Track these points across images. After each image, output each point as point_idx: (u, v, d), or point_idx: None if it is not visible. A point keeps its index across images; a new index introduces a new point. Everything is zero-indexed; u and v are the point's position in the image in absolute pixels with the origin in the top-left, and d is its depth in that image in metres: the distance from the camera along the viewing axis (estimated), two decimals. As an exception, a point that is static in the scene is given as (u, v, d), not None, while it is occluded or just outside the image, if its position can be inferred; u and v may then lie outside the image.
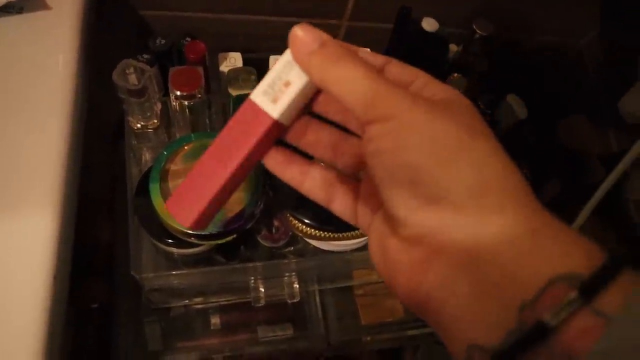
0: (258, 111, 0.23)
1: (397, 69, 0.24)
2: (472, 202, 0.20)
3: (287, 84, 0.23)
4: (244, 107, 0.24)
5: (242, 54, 0.53)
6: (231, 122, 0.24)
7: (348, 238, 0.49)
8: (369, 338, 0.63)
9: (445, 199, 0.20)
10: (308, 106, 0.25)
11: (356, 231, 0.48)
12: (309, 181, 0.27)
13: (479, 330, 0.19)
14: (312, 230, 0.47)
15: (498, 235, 0.20)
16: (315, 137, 0.26)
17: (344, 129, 0.26)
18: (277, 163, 0.26)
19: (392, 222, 0.23)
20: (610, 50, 0.70)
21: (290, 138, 0.26)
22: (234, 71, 0.47)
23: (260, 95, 0.23)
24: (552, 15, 0.69)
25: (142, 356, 0.58)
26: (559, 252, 0.19)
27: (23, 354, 0.36)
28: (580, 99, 0.73)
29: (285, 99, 0.23)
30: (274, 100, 0.23)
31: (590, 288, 0.17)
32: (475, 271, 0.20)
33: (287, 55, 0.23)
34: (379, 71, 0.24)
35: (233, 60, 0.52)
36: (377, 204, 0.25)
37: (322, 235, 0.48)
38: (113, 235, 0.61)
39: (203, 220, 0.26)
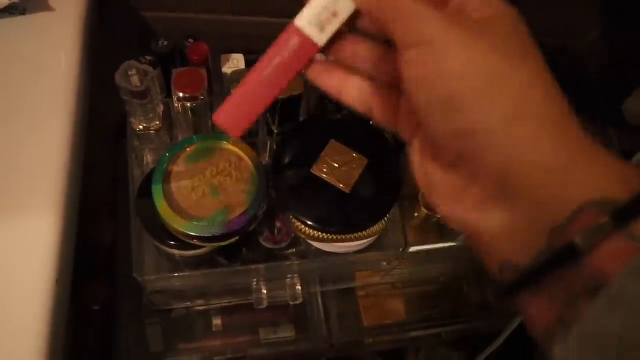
0: (304, 39, 0.25)
1: None
2: (507, 132, 0.20)
3: (335, 14, 0.24)
4: (288, 33, 0.25)
5: (245, 55, 0.53)
6: (275, 46, 0.25)
7: (351, 240, 0.49)
8: (371, 340, 0.63)
9: (481, 128, 0.20)
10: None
11: (359, 233, 0.48)
12: (349, 90, 0.27)
13: (512, 250, 0.20)
14: (315, 232, 0.47)
15: (533, 163, 0.20)
16: (353, 51, 0.26)
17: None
18: (318, 74, 0.27)
19: (430, 146, 0.24)
20: (612, 52, 0.70)
21: (329, 52, 0.27)
22: (237, 73, 0.47)
23: (306, 25, 0.25)
24: (552, 17, 0.68)
25: (143, 358, 0.58)
26: (594, 177, 0.19)
27: (25, 355, 0.36)
28: (582, 101, 0.73)
29: (332, 28, 0.25)
30: (321, 30, 0.24)
31: (623, 214, 0.18)
32: (509, 196, 0.20)
33: None
34: None
35: (236, 62, 0.52)
36: (417, 121, 0.25)
37: (325, 237, 0.47)
38: (115, 236, 0.61)
39: (245, 130, 0.27)
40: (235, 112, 0.27)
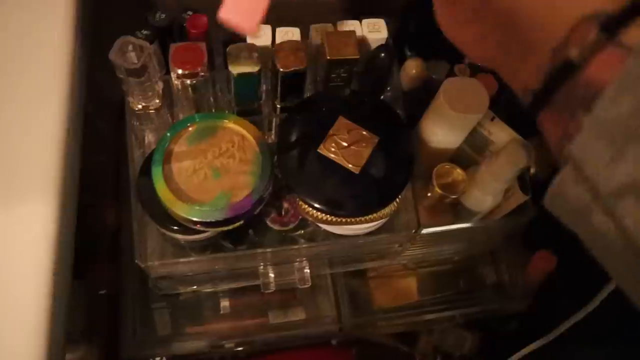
0: None
1: None
2: None
3: None
4: None
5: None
6: None
7: (361, 222, 0.46)
8: (383, 322, 0.62)
9: None
10: None
11: (369, 216, 0.45)
12: None
13: (528, 77, 0.22)
14: (323, 215, 0.45)
15: None
16: None
17: None
18: None
19: None
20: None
21: None
22: (236, 48, 0.44)
23: None
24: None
25: (151, 341, 0.57)
26: None
27: (24, 341, 0.35)
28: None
29: None
30: None
31: (611, 25, 0.19)
32: (511, 27, 0.22)
33: None
34: None
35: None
36: None
37: (334, 219, 0.45)
38: (120, 219, 0.60)
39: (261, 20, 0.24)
40: (244, 4, 0.23)
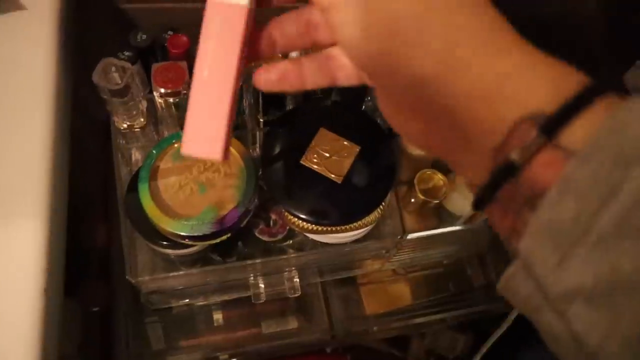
0: (228, 8, 0.22)
1: None
2: (444, 70, 0.21)
3: None
4: (210, 13, 0.22)
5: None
6: (205, 34, 0.23)
7: (346, 230, 0.47)
8: (375, 328, 0.62)
9: (419, 79, 0.21)
10: None
11: (354, 223, 0.46)
12: (307, 77, 0.26)
13: (472, 174, 0.22)
14: (309, 224, 0.46)
15: (469, 83, 0.20)
16: (280, 32, 0.26)
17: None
18: (275, 82, 0.26)
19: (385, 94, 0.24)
20: (613, 21, 0.68)
21: (264, 52, 0.26)
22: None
23: None
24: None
25: (145, 356, 0.57)
26: (527, 92, 0.20)
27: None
28: (584, 71, 0.71)
29: None
30: None
31: (550, 126, 0.18)
32: (458, 132, 0.21)
33: None
34: None
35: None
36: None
37: (319, 229, 0.46)
38: (109, 235, 0.60)
39: (228, 147, 0.24)
40: (201, 134, 0.23)
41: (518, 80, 0.20)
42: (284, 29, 0.26)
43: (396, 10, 0.21)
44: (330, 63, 0.26)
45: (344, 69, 0.26)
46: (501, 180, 0.20)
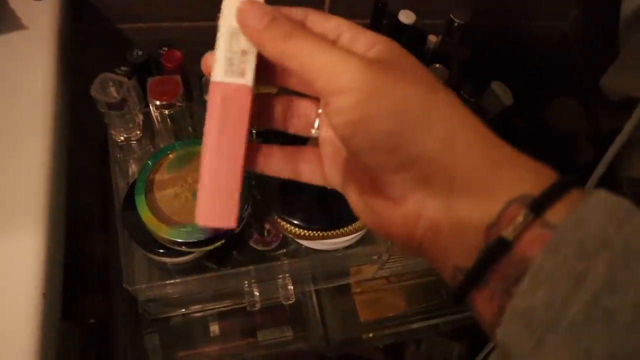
0: (233, 89, 0.23)
1: (320, 22, 0.24)
2: (446, 152, 0.22)
3: (245, 53, 0.23)
4: (215, 93, 0.24)
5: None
6: (211, 113, 0.24)
7: (338, 236, 0.48)
8: (370, 335, 0.63)
9: (421, 159, 0.22)
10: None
11: (345, 228, 0.48)
12: (272, 165, 0.27)
13: (460, 256, 0.22)
14: (301, 230, 0.47)
15: (468, 173, 0.22)
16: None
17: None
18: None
19: (374, 184, 0.24)
20: (593, 29, 0.70)
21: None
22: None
23: (225, 76, 0.23)
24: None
25: (143, 368, 0.58)
26: (515, 179, 0.22)
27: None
28: (566, 81, 0.73)
29: (250, 66, 0.23)
30: (242, 74, 0.23)
31: (537, 206, 0.20)
32: (452, 211, 0.22)
33: (227, 27, 0.23)
34: (301, 26, 0.24)
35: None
36: (342, 163, 0.26)
37: (311, 234, 0.47)
38: (107, 248, 0.61)
39: (238, 214, 0.25)
40: (215, 205, 0.24)
41: (509, 168, 0.22)
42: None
43: (404, 93, 0.22)
44: (298, 156, 0.27)
45: (310, 165, 0.27)
46: (494, 257, 0.20)
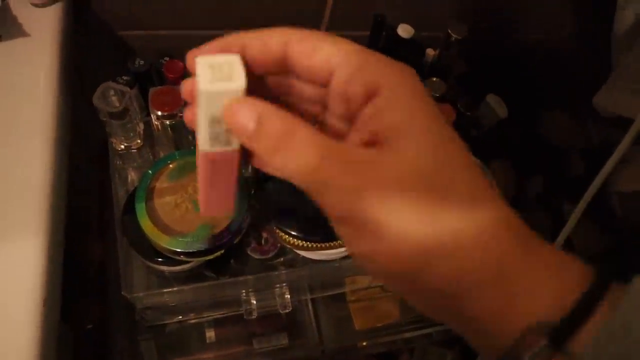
0: (221, 154, 0.23)
1: (307, 56, 0.22)
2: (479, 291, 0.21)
3: (230, 130, 0.22)
4: (205, 161, 0.24)
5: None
6: (202, 174, 0.24)
7: (336, 247, 0.49)
8: (364, 343, 0.64)
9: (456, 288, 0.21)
10: None
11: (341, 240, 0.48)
12: None
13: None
14: (299, 241, 0.48)
15: (489, 297, 0.21)
16: None
17: None
18: None
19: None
20: (587, 44, 0.71)
21: None
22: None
23: (210, 147, 0.23)
24: (528, 14, 0.69)
25: (139, 374, 0.58)
26: (534, 303, 0.20)
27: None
28: (560, 95, 0.74)
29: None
30: (228, 143, 0.23)
31: (558, 336, 0.19)
32: (463, 327, 0.22)
33: (206, 114, 0.22)
34: (281, 57, 0.23)
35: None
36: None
37: (309, 245, 0.48)
38: (105, 255, 0.61)
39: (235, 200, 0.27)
40: (216, 200, 0.26)
41: (526, 296, 0.20)
42: None
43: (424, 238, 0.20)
44: None
45: None
46: None
